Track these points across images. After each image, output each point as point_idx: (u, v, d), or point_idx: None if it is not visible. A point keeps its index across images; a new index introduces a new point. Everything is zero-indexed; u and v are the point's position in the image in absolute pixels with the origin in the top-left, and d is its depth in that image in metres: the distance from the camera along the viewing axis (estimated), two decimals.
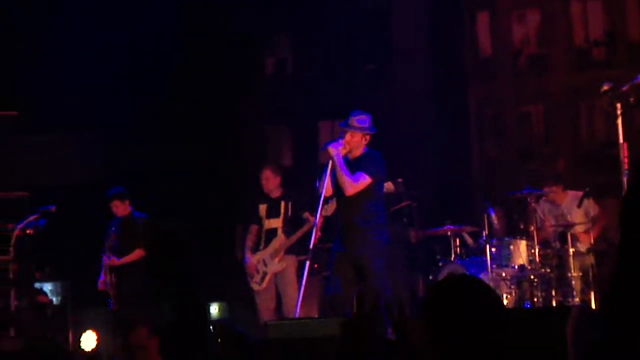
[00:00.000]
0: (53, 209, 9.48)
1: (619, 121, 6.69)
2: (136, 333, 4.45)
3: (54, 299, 10.55)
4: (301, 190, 9.59)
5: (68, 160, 16.40)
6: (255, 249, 9.20)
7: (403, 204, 10.25)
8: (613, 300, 2.03)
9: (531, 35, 21.81)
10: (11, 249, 9.26)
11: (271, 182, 9.25)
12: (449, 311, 2.31)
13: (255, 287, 9.11)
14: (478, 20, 22.02)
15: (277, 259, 9.04)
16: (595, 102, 17.26)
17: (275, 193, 9.25)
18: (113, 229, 9.88)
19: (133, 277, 9.57)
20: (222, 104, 19.00)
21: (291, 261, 9.06)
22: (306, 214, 8.90)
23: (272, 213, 9.19)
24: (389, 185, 8.18)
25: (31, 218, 9.39)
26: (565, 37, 21.42)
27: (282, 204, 9.18)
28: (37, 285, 10.41)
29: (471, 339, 2.25)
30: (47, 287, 10.68)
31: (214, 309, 11.24)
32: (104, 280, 9.81)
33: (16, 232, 9.28)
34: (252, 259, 9.13)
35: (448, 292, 2.36)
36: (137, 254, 9.66)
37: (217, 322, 8.88)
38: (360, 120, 7.41)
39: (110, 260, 9.73)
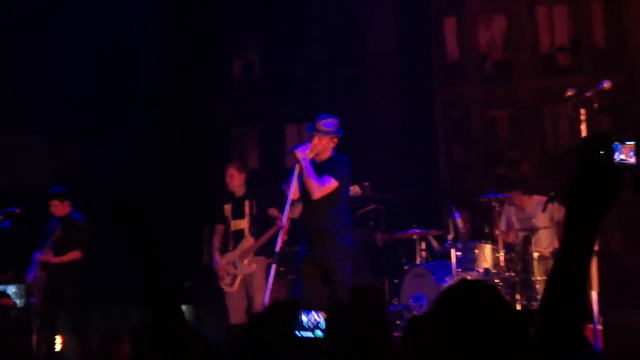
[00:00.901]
0: (17, 210, 9.38)
1: (583, 126, 6.77)
2: (126, 345, 4.39)
3: (17, 301, 10.45)
4: (267, 190, 9.54)
5: (41, 161, 16.30)
6: (224, 250, 9.17)
7: (369, 207, 10.27)
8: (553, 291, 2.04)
9: (497, 41, 21.96)
10: None
11: (235, 179, 9.18)
12: (460, 316, 2.24)
13: (226, 289, 9.08)
14: (445, 25, 22.13)
15: (246, 261, 9.03)
16: (560, 107, 17.40)
17: (240, 191, 9.19)
18: (53, 229, 9.72)
19: (64, 277, 9.49)
20: (189, 106, 18.92)
21: (261, 263, 9.02)
22: (271, 210, 8.86)
23: (238, 214, 9.14)
24: (355, 189, 8.20)
25: None
26: (531, 43, 21.58)
27: (247, 203, 9.13)
28: (0, 287, 10.30)
29: (482, 344, 2.19)
30: (11, 289, 10.57)
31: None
32: (35, 274, 9.66)
33: None
34: (222, 261, 9.10)
35: (461, 296, 2.29)
36: (73, 255, 9.55)
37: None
38: (328, 123, 7.42)
39: (45, 255, 9.56)
